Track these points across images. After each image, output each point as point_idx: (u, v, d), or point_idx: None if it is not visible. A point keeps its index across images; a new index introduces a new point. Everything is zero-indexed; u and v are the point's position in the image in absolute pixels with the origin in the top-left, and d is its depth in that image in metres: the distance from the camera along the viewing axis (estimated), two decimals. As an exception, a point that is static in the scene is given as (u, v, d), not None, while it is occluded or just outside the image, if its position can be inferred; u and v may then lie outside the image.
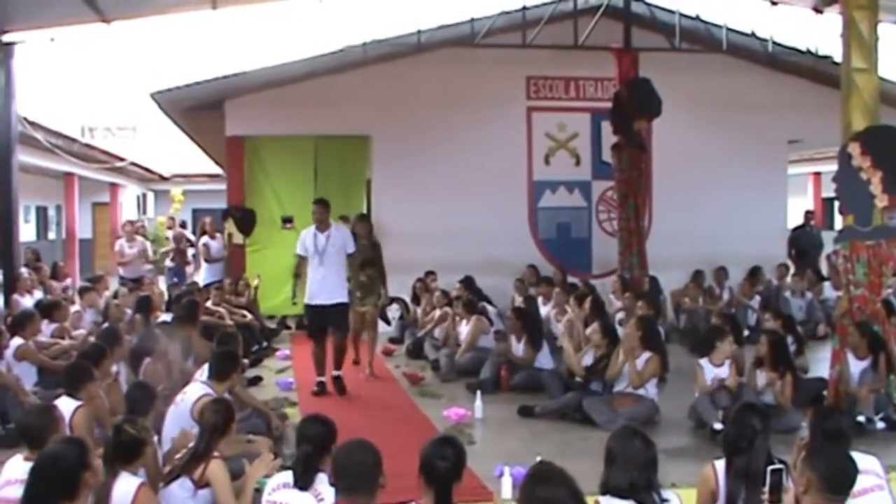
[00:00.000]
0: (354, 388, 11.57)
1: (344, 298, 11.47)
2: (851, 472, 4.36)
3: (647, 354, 9.65)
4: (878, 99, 9.96)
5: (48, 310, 11.75)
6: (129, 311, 12.39)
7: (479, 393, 10.25)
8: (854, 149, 9.52)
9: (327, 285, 11.21)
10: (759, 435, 5.13)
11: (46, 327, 11.34)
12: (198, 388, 7.38)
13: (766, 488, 4.76)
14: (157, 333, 9.72)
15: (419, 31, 15.47)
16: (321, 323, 11.36)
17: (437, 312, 14.15)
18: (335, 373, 11.45)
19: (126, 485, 5.12)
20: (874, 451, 5.53)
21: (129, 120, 38.48)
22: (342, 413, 9.21)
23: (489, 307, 14.13)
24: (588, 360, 10.48)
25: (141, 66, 62.28)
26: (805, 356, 10.70)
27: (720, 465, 5.21)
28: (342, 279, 11.48)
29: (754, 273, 16.92)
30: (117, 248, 17.49)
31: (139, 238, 17.70)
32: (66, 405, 6.73)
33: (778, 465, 4.83)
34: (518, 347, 11.79)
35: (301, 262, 11.38)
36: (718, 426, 8.54)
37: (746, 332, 12.87)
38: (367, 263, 12.13)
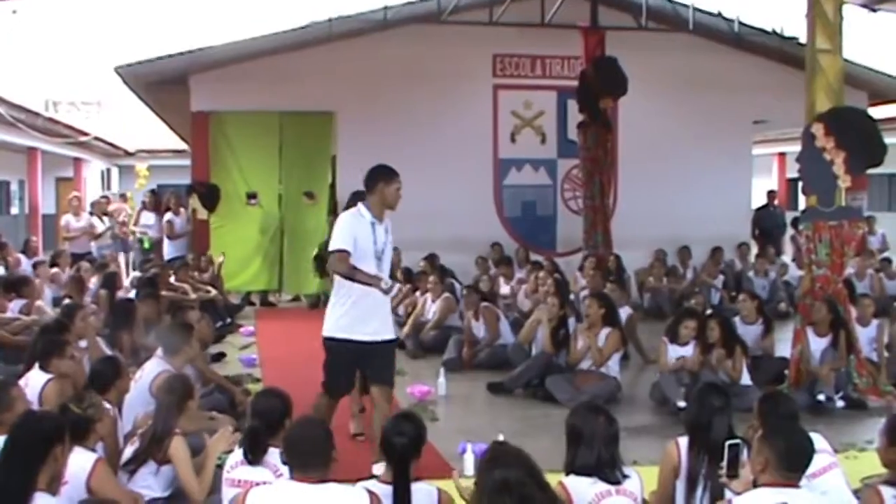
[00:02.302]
0: (316, 364, 11.52)
1: (393, 333, 7.33)
2: (808, 449, 4.40)
3: (606, 330, 9.73)
4: (843, 80, 10.02)
5: (16, 286, 11.60)
6: (91, 287, 12.29)
7: (442, 370, 10.25)
8: (818, 129, 9.56)
9: (378, 310, 7.06)
10: (719, 413, 5.17)
11: (15, 303, 11.22)
12: (156, 365, 7.31)
13: (724, 463, 4.82)
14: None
15: (385, 8, 15.38)
16: (353, 367, 7.30)
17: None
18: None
19: (82, 460, 5.08)
20: (834, 429, 5.59)
21: (93, 94, 38.10)
22: (305, 390, 9.17)
23: (456, 284, 14.17)
24: (540, 333, 10.49)
25: (105, 40, 61.83)
26: (772, 338, 10.78)
27: (683, 442, 5.24)
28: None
29: (714, 253, 17.00)
30: (63, 223, 17.29)
31: (85, 213, 17.53)
32: (37, 378, 6.70)
33: (735, 441, 4.88)
34: (478, 327, 11.80)
35: (343, 260, 6.84)
36: (682, 404, 8.58)
37: (709, 312, 12.95)
38: None
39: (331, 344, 7.08)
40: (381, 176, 7.06)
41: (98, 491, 5.04)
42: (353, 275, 6.79)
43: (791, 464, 4.29)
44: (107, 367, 6.66)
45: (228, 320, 14.35)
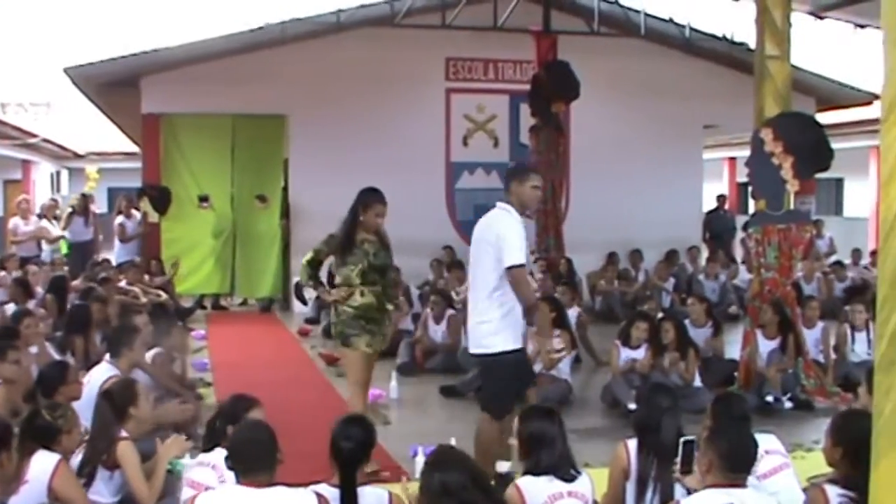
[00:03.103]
0: (269, 368, 11.50)
1: None
2: (751, 450, 4.45)
3: (556, 333, 9.80)
4: (790, 86, 10.15)
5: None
6: (39, 291, 12.16)
7: (394, 373, 10.24)
8: (766, 134, 9.66)
9: None
10: (667, 413, 5.21)
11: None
12: (104, 369, 7.21)
13: (678, 459, 4.88)
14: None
15: (339, 11, 15.37)
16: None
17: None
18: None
19: (44, 462, 5.04)
20: (782, 430, 5.65)
21: (42, 95, 37.80)
22: (257, 393, 9.13)
23: (411, 288, 14.19)
24: None
25: (55, 41, 61.27)
26: (721, 339, 10.89)
27: (632, 444, 5.27)
28: None
29: (670, 256, 17.16)
30: (11, 226, 17.05)
31: (33, 217, 17.34)
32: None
33: (690, 437, 4.94)
34: (436, 329, 11.80)
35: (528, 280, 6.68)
36: (633, 406, 8.63)
37: (661, 315, 13.05)
38: (380, 273, 7.89)
39: (517, 356, 6.62)
40: (511, 176, 6.74)
41: (60, 491, 5.00)
42: (534, 301, 6.60)
43: (734, 465, 4.33)
44: (54, 371, 6.61)
45: (180, 324, 14.25)
